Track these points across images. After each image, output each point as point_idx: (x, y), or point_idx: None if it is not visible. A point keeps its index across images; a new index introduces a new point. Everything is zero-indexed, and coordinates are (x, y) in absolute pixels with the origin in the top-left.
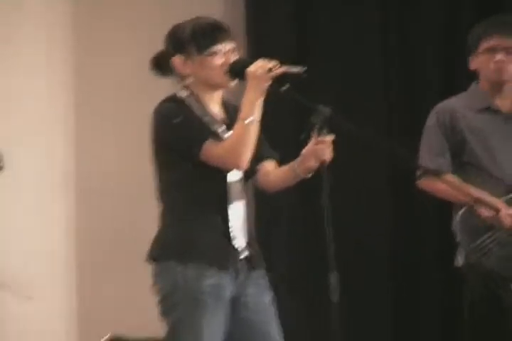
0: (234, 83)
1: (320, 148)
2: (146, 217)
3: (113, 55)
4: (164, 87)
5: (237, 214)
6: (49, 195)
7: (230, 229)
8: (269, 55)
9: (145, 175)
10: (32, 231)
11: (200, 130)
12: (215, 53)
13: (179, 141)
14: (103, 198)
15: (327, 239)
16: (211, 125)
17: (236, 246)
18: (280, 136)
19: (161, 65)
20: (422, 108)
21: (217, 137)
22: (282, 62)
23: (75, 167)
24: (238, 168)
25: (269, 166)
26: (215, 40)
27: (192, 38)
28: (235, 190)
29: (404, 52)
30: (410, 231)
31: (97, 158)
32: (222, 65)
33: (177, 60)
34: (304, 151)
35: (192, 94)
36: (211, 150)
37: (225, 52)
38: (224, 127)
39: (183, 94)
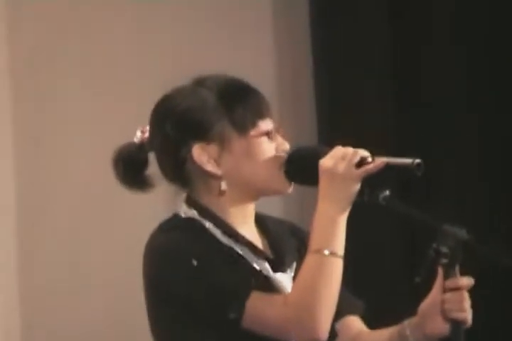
0: (291, 188)
1: (451, 299)
2: None
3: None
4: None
5: None
6: None
7: None
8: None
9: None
10: None
11: (238, 275)
12: (266, 133)
13: (204, 298)
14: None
15: None
16: (251, 262)
17: None
18: (376, 276)
19: (138, 169)
20: None
21: (266, 284)
22: (373, 152)
23: None
24: (315, 338)
25: (356, 326)
26: (259, 113)
27: (227, 110)
28: None
29: None
30: None
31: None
32: (277, 153)
33: (200, 152)
34: (423, 305)
35: (205, 210)
36: (264, 311)
37: (273, 133)
38: (266, 265)
39: (189, 212)
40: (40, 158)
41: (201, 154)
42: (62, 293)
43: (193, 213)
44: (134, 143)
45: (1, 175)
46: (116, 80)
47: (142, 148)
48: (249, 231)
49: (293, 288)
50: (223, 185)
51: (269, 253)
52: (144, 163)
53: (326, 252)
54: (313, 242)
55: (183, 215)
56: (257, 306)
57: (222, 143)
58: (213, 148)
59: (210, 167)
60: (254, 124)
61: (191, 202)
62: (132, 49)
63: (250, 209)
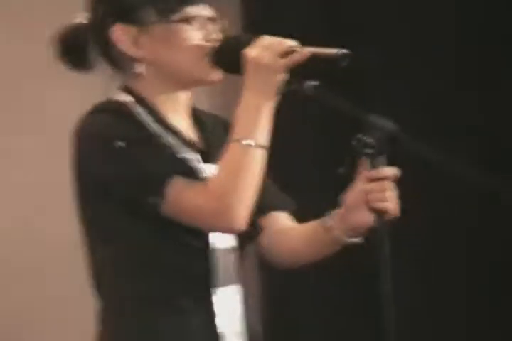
0: (220, 77)
1: (375, 188)
2: None
3: None
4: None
5: (228, 307)
6: None
7: (218, 332)
8: (279, 32)
9: None
10: None
11: (162, 160)
12: (188, 20)
13: (125, 179)
14: None
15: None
16: (178, 151)
17: None
18: (301, 168)
19: (76, 48)
20: None
21: (191, 173)
22: (303, 43)
23: None
24: (232, 228)
25: (282, 222)
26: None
27: None
28: (225, 265)
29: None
30: None
31: None
32: (201, 42)
33: (119, 33)
34: (347, 196)
35: (139, 97)
36: (183, 198)
37: (203, 21)
38: (197, 156)
39: (124, 97)
40: None
41: (120, 34)
42: None
43: (127, 98)
44: (74, 24)
45: None
46: None
47: (81, 28)
48: (182, 122)
49: (212, 176)
50: (139, 67)
51: (200, 145)
52: (83, 42)
53: (249, 141)
54: (236, 131)
55: (115, 99)
56: (177, 192)
57: (142, 25)
58: (132, 30)
59: (126, 47)
60: (177, 9)
61: (125, 87)
62: None
63: (182, 99)
